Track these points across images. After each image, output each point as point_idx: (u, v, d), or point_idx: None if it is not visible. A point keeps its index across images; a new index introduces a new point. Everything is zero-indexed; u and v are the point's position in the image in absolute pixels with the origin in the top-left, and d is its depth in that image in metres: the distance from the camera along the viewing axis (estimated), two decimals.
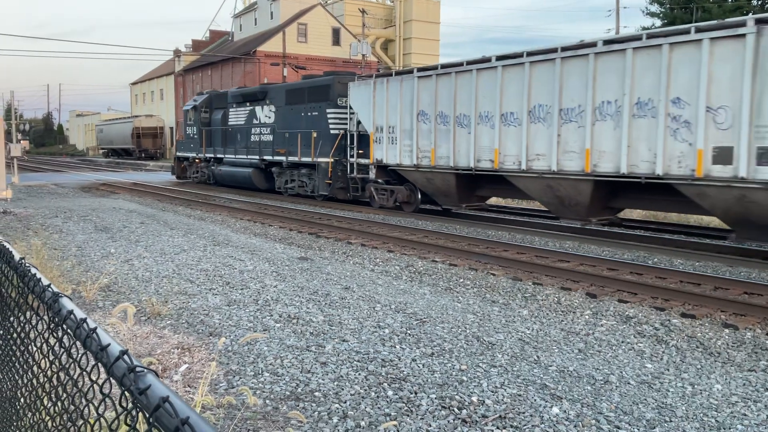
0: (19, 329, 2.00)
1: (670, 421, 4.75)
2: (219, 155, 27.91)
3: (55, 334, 1.48)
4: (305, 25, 53.92)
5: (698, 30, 11.51)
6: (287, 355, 6.01)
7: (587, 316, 7.72)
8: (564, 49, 13.74)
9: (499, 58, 15.23)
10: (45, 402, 1.68)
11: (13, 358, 2.14)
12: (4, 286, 2.20)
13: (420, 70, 17.84)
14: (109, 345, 1.10)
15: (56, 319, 1.40)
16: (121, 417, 1.05)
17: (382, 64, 57.88)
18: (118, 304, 7.75)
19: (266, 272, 9.90)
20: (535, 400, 5.04)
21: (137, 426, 0.99)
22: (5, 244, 2.16)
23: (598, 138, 13.09)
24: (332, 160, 21.13)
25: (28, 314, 1.87)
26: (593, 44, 13.19)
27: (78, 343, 1.24)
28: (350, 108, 20.49)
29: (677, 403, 5.08)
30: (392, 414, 4.76)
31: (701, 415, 4.86)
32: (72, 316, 1.28)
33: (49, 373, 1.61)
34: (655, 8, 43.55)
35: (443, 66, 16.93)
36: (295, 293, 8.53)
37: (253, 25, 60.02)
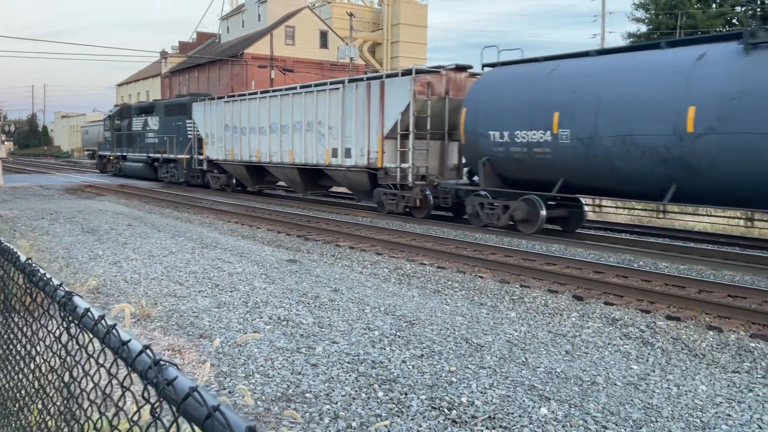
0: (25, 328, 2.03)
1: (656, 421, 4.83)
2: (124, 153, 36.94)
3: (69, 332, 1.52)
4: (293, 28, 53.92)
5: (330, 83, 20.75)
6: (278, 357, 6.04)
7: (574, 319, 7.81)
8: (287, 89, 23.28)
9: (262, 92, 24.66)
10: (54, 399, 1.71)
11: (17, 357, 2.18)
12: (8, 287, 2.23)
13: (228, 97, 27.07)
14: (130, 340, 1.14)
15: (70, 317, 1.45)
16: (143, 409, 1.09)
17: (370, 67, 57.94)
18: (107, 306, 7.76)
19: (255, 275, 9.93)
20: (523, 401, 5.12)
21: (160, 417, 1.04)
22: (8, 244, 2.20)
23: (296, 143, 22.20)
24: (187, 156, 29.87)
25: (36, 314, 1.91)
26: (294, 88, 22.85)
27: (95, 340, 1.29)
28: (194, 121, 29.21)
29: (663, 403, 5.17)
30: (383, 415, 4.82)
31: (686, 415, 4.95)
32: (89, 313, 1.32)
33: (60, 370, 1.65)
34: (640, 14, 43.94)
35: (238, 95, 26.30)
36: (285, 295, 8.56)
37: (241, 27, 59.95)
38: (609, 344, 6.77)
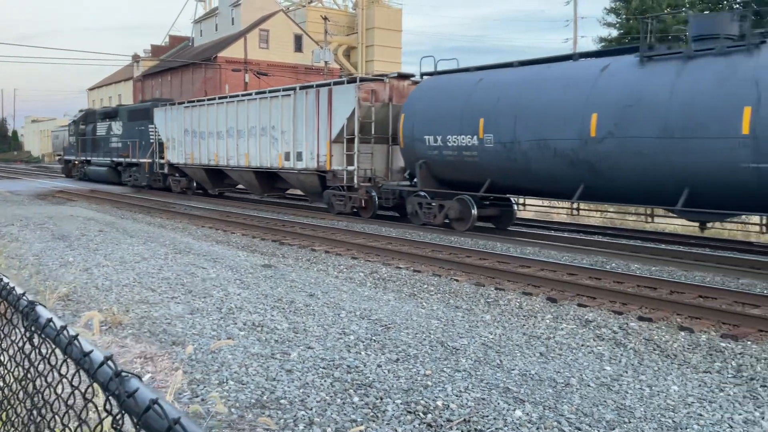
0: None
1: (629, 422, 4.87)
2: (89, 158, 37.51)
3: (31, 343, 1.48)
4: (267, 32, 53.67)
5: (283, 90, 21.79)
6: (252, 363, 5.99)
7: (548, 321, 7.86)
8: (243, 95, 24.20)
9: (220, 97, 25.76)
10: (18, 410, 1.68)
11: None
12: None
13: (188, 102, 27.87)
14: (92, 351, 1.12)
15: (33, 328, 1.41)
16: (105, 421, 1.07)
17: (345, 71, 57.87)
18: (78, 314, 7.64)
19: (229, 280, 9.85)
20: (498, 404, 5.13)
21: (122, 429, 1.01)
22: None
23: (251, 147, 23.07)
24: (149, 160, 30.60)
25: None
26: (249, 94, 23.72)
27: (57, 350, 1.26)
28: (155, 126, 29.89)
29: (636, 404, 5.22)
30: (358, 420, 4.80)
31: (659, 415, 5.00)
32: (51, 323, 1.30)
33: (24, 381, 1.61)
34: (611, 18, 44.46)
35: (197, 101, 27.21)
36: (259, 301, 8.50)
37: (214, 30, 59.56)
38: (582, 346, 6.82)
